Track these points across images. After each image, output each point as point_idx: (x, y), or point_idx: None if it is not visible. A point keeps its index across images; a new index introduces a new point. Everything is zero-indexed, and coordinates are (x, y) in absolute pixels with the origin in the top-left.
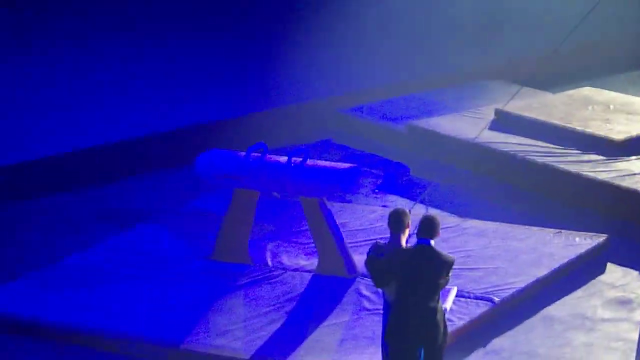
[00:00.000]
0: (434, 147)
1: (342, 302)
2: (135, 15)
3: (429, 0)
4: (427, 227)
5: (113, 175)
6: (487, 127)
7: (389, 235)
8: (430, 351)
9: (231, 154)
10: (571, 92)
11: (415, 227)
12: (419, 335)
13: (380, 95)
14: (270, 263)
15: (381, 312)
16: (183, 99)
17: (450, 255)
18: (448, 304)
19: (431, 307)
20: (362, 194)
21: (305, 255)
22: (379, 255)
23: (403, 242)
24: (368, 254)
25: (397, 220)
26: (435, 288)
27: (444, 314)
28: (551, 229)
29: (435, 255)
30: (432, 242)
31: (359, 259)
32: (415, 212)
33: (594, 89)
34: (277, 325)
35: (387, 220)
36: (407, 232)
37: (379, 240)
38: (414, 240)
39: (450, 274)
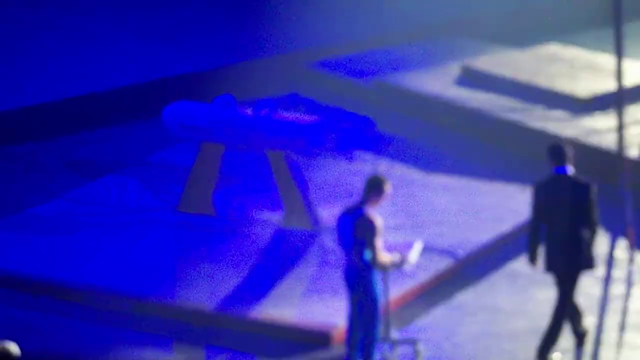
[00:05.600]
0: (400, 103)
1: (306, 255)
2: None
3: None
4: (560, 154)
5: (82, 126)
6: (453, 82)
7: (352, 189)
8: (568, 279)
9: (198, 106)
10: (538, 48)
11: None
12: (566, 263)
13: (347, 49)
14: (235, 216)
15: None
16: (152, 51)
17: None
18: (413, 258)
19: (577, 235)
20: (328, 147)
21: (270, 208)
22: (362, 210)
23: (367, 209)
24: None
25: (371, 185)
26: (581, 215)
27: (591, 245)
28: (516, 185)
29: (573, 181)
30: (569, 168)
31: (324, 212)
32: (381, 167)
33: (560, 46)
34: (242, 277)
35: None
36: (374, 203)
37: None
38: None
39: (594, 199)
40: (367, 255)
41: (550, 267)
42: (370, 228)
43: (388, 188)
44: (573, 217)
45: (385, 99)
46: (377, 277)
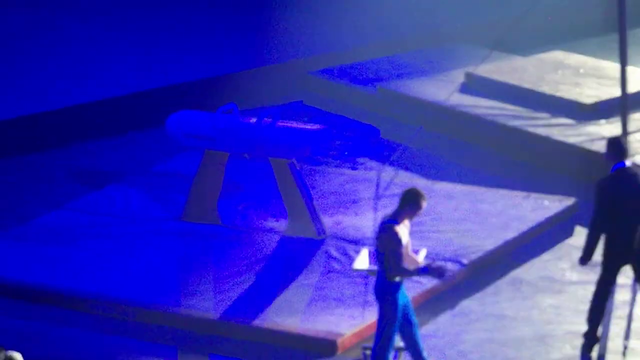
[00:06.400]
0: (404, 110)
1: (310, 264)
2: None
3: None
4: (623, 149)
5: (85, 136)
6: (458, 90)
7: (356, 197)
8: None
9: (202, 115)
10: (542, 55)
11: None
12: (629, 254)
13: (351, 57)
14: (240, 224)
15: (349, 273)
16: (154, 60)
17: None
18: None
19: None
20: (332, 156)
21: (274, 216)
22: (392, 222)
23: (400, 223)
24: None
25: (406, 199)
26: None
27: None
28: (520, 192)
29: (636, 174)
30: (627, 162)
31: (328, 220)
32: (385, 174)
33: (564, 52)
34: (246, 285)
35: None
36: (409, 217)
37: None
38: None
39: None
40: (387, 267)
41: (625, 260)
42: (389, 240)
43: (424, 203)
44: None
45: (389, 107)
46: (401, 289)
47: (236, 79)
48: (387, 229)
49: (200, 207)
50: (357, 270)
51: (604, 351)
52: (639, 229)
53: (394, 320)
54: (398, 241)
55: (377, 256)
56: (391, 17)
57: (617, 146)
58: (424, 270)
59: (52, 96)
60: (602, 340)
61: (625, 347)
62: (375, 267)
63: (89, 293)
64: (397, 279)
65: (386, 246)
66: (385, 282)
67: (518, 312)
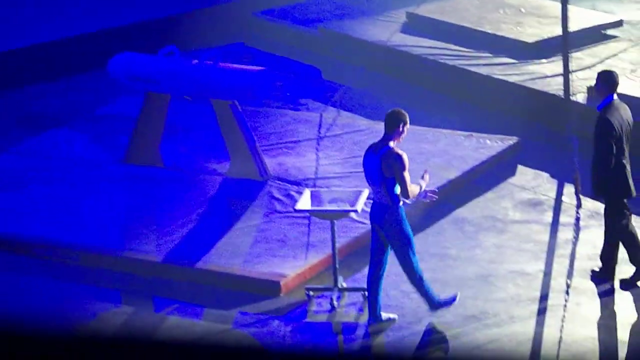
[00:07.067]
0: (346, 50)
1: (253, 205)
2: None
3: None
4: (615, 82)
5: (28, 79)
6: (399, 30)
7: (298, 138)
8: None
9: (143, 57)
10: None
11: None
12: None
13: None
14: (182, 166)
15: (292, 214)
16: (95, 3)
17: None
18: (359, 206)
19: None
20: (274, 96)
21: (217, 158)
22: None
23: (392, 144)
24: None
25: (393, 120)
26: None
27: None
28: (462, 132)
29: (624, 104)
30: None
31: (271, 162)
32: (327, 115)
33: None
34: (189, 227)
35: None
36: (398, 139)
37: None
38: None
39: None
40: (397, 189)
41: (628, 193)
42: (398, 163)
43: (408, 119)
44: (628, 140)
45: (331, 47)
46: (405, 213)
47: (177, 21)
48: (390, 152)
49: (143, 149)
50: (300, 211)
51: (547, 290)
52: (628, 160)
53: (410, 241)
54: (405, 163)
55: (382, 182)
56: None
57: (610, 79)
58: (423, 196)
59: None
60: (544, 279)
61: (568, 286)
62: (321, 207)
63: (32, 237)
64: (402, 202)
65: (394, 170)
66: (394, 207)
67: (461, 251)
